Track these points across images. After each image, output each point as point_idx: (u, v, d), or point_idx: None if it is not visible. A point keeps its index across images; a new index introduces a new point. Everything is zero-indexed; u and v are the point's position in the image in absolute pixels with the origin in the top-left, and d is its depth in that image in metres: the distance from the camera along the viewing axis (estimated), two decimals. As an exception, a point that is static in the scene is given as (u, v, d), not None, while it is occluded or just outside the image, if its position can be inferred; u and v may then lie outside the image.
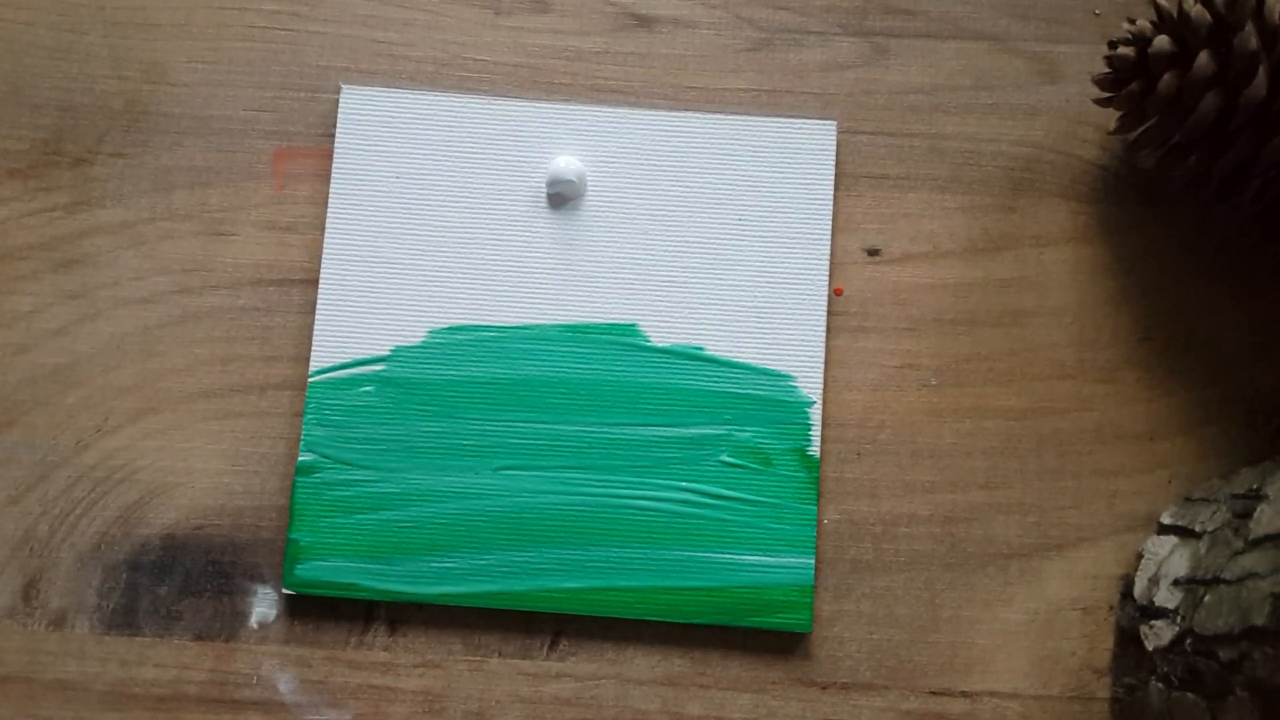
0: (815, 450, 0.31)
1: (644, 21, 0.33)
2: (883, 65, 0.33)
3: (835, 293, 0.32)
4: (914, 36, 0.33)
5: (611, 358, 0.31)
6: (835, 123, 0.32)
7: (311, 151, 0.32)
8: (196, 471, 0.31)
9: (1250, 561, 0.26)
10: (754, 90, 0.33)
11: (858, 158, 0.32)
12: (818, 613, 0.30)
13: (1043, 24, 0.33)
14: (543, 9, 0.33)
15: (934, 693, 0.30)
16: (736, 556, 0.30)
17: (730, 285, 0.31)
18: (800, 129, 0.32)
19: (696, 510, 0.30)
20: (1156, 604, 0.29)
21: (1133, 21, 0.30)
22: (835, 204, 0.32)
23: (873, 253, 0.32)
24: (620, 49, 0.33)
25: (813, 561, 0.30)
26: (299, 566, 0.30)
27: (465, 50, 0.33)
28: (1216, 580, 0.27)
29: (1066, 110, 0.33)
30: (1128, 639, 0.30)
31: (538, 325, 0.31)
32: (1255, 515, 0.27)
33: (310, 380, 0.31)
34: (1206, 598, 0.27)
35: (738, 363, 0.31)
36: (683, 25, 0.33)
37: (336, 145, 0.32)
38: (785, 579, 0.30)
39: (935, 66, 0.33)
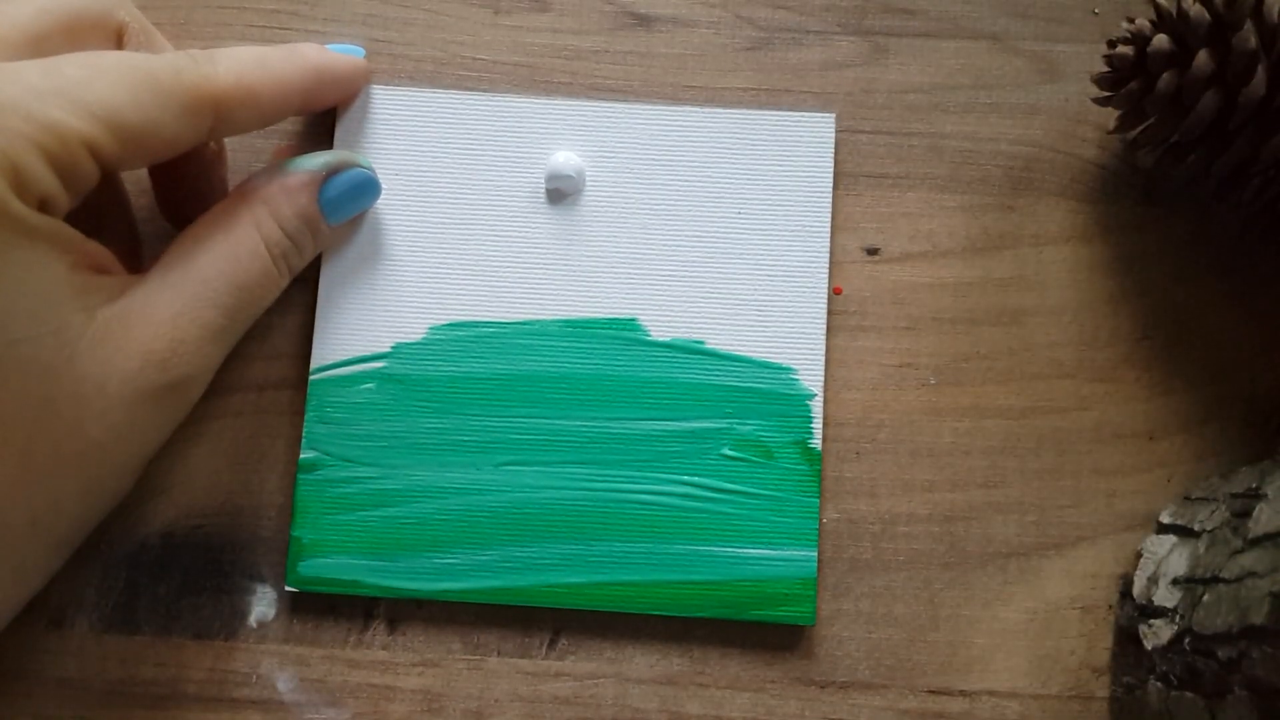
0: (817, 443, 0.30)
1: (643, 20, 0.33)
2: (882, 64, 0.33)
3: (835, 292, 0.32)
4: (913, 35, 0.33)
5: (612, 352, 0.31)
6: (834, 115, 0.32)
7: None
8: (195, 470, 0.31)
9: (1249, 560, 0.26)
10: (753, 89, 0.33)
11: (857, 157, 0.32)
12: (816, 611, 0.30)
13: (1042, 23, 0.33)
14: (542, 8, 0.33)
15: (932, 691, 0.30)
16: (739, 550, 0.30)
17: (730, 279, 0.31)
18: (799, 122, 0.32)
19: (698, 504, 0.30)
20: (1155, 603, 0.29)
21: (1132, 20, 0.30)
22: (834, 203, 0.32)
23: (872, 252, 0.32)
24: (619, 48, 0.33)
25: (815, 554, 0.30)
26: (301, 564, 0.30)
27: (464, 49, 0.33)
28: (1215, 579, 0.27)
29: (1066, 109, 0.33)
30: (1127, 638, 0.30)
31: (538, 321, 0.31)
32: (1254, 514, 0.27)
33: (311, 377, 0.31)
34: (1205, 597, 0.27)
35: (738, 356, 0.31)
36: (682, 24, 0.33)
37: (335, 143, 0.32)
38: (788, 572, 0.30)
39: (934, 65, 0.33)
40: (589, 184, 0.32)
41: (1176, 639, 0.28)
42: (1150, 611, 0.29)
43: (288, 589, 0.30)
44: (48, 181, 0.24)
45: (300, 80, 0.29)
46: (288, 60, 0.29)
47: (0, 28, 0.26)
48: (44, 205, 0.25)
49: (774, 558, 0.30)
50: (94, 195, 0.26)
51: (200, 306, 0.27)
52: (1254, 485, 0.28)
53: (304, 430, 0.31)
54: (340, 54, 0.31)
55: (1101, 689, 0.30)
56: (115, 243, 0.28)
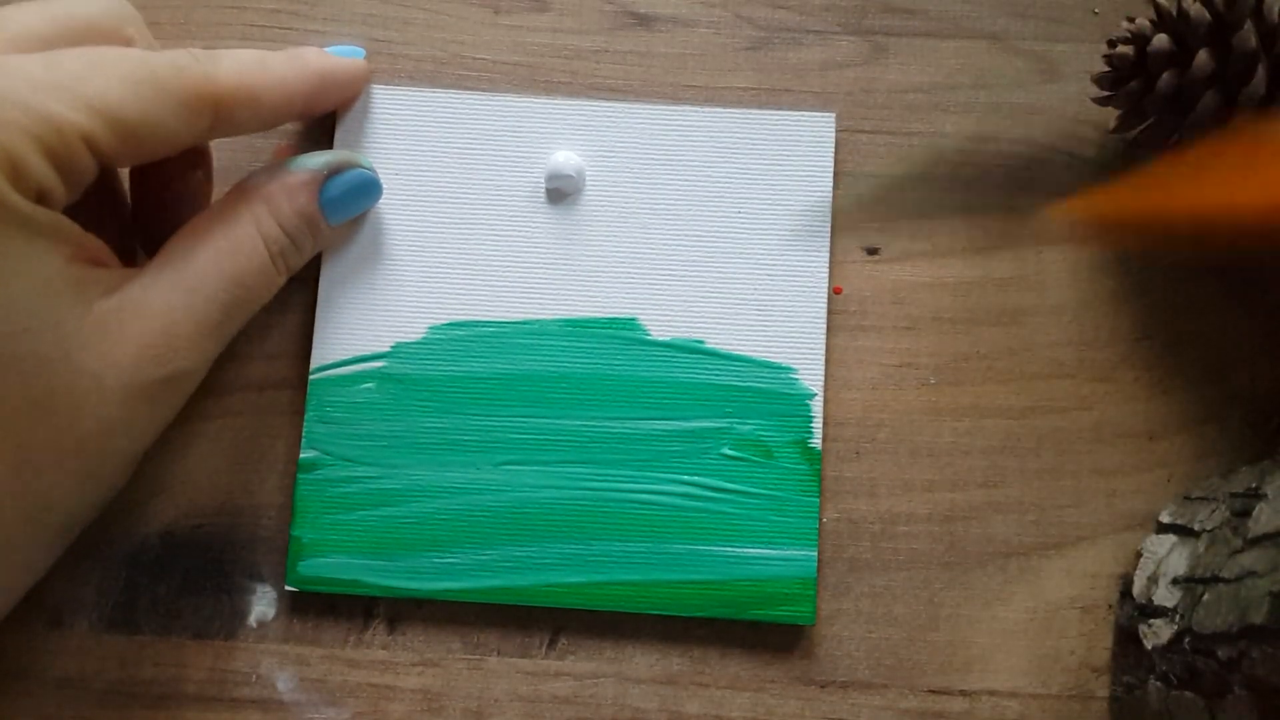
0: (817, 443, 0.30)
1: (643, 20, 0.33)
2: (882, 64, 0.33)
3: (835, 291, 0.32)
4: (913, 35, 0.33)
5: (612, 352, 0.31)
6: (834, 114, 0.32)
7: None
8: (195, 470, 0.31)
9: (1249, 560, 0.26)
10: (753, 89, 0.33)
11: (857, 156, 0.32)
12: (816, 611, 0.30)
13: (1042, 23, 0.33)
14: (542, 8, 0.33)
15: (933, 691, 0.30)
16: (738, 550, 0.30)
17: (730, 278, 0.31)
18: (799, 121, 0.32)
19: (698, 504, 0.30)
20: (1155, 603, 0.29)
21: (1132, 20, 0.30)
22: (834, 202, 0.32)
23: (872, 251, 0.32)
24: (619, 48, 0.33)
25: (815, 554, 0.30)
26: (301, 563, 0.30)
27: (464, 49, 0.33)
28: (1215, 579, 0.27)
29: (1066, 109, 0.33)
30: (1126, 638, 0.30)
31: (538, 320, 0.31)
32: (1254, 514, 0.27)
33: (311, 377, 0.31)
34: (1205, 596, 0.27)
35: (738, 355, 0.31)
36: (682, 24, 0.33)
37: (335, 143, 0.32)
38: (788, 571, 0.30)
39: (934, 65, 0.33)
40: (589, 184, 0.32)
41: (1176, 638, 0.28)
42: (1150, 611, 0.29)
43: (288, 589, 0.30)
44: (45, 174, 0.24)
45: (302, 84, 0.29)
46: (290, 64, 0.29)
47: (9, 30, 0.26)
48: (41, 198, 0.25)
49: (774, 557, 0.30)
50: (92, 191, 0.26)
51: (197, 302, 0.27)
52: (1254, 485, 0.28)
53: (304, 430, 0.31)
54: (342, 58, 0.31)
55: (1101, 689, 0.30)
56: (112, 239, 0.28)
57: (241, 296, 0.28)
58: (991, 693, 0.30)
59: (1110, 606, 0.31)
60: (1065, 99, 0.33)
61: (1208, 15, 0.28)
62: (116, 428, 0.26)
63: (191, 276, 0.27)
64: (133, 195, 0.31)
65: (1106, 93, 0.31)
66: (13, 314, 0.24)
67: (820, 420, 0.31)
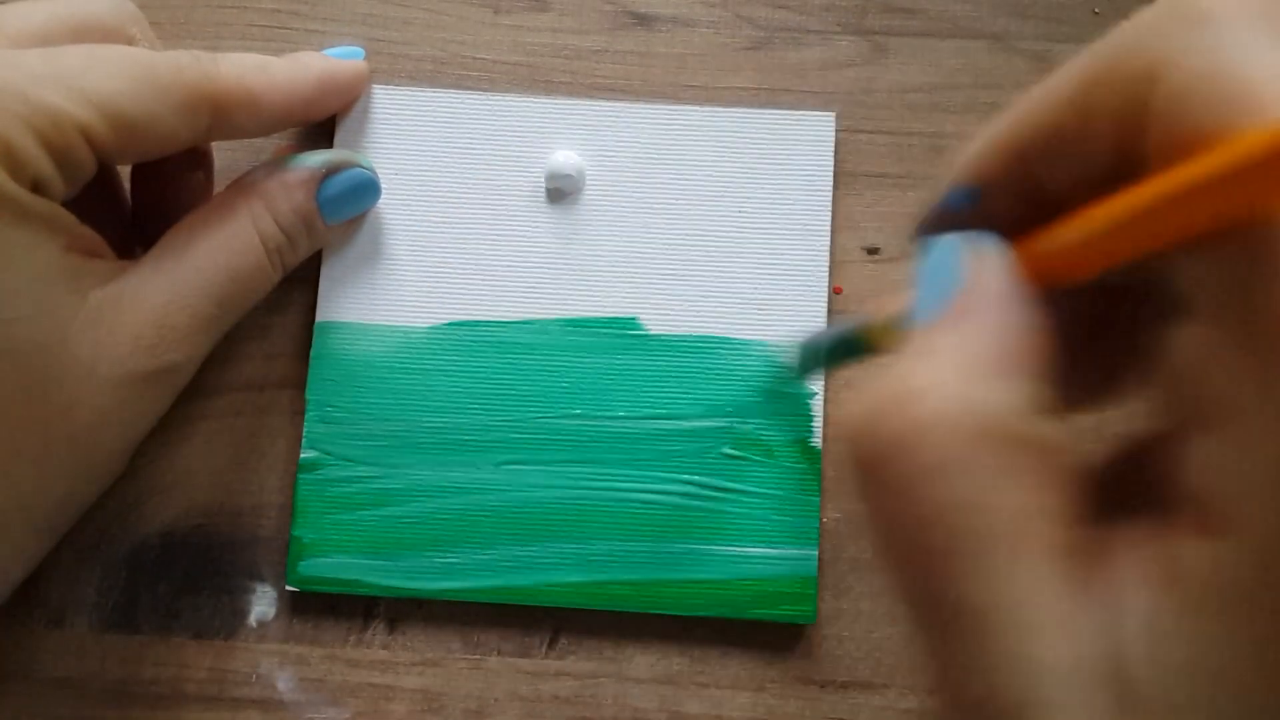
0: (817, 442, 0.30)
1: (643, 20, 0.33)
2: (882, 64, 0.33)
3: (835, 291, 0.32)
4: (913, 35, 0.33)
5: (612, 351, 0.31)
6: (834, 113, 0.32)
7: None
8: (195, 469, 0.31)
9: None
10: (753, 89, 0.33)
11: (857, 156, 0.32)
12: (817, 611, 0.30)
13: (1042, 23, 0.33)
14: (542, 7, 0.33)
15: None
16: (739, 549, 0.30)
17: (731, 277, 0.31)
18: (799, 120, 0.32)
19: (699, 503, 0.30)
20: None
21: (1132, 20, 0.30)
22: (834, 202, 0.32)
23: (872, 251, 0.32)
24: (619, 47, 0.33)
25: (815, 553, 0.30)
26: (302, 563, 0.30)
27: (464, 49, 0.33)
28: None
29: (1066, 109, 0.33)
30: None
31: (538, 320, 0.31)
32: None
33: (311, 376, 0.31)
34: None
35: (739, 355, 0.31)
36: (682, 24, 0.33)
37: (336, 142, 0.32)
38: (788, 571, 0.30)
39: (935, 65, 0.33)
40: (589, 183, 0.32)
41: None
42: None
43: (288, 588, 0.30)
44: (42, 164, 0.24)
45: (302, 89, 0.29)
46: (291, 69, 0.29)
47: (10, 28, 0.27)
48: (38, 187, 0.25)
49: (774, 556, 0.30)
50: (91, 189, 0.26)
51: (192, 295, 0.27)
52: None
53: (304, 430, 0.30)
54: (343, 62, 0.31)
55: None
56: (111, 238, 0.28)
57: (236, 292, 0.28)
58: (992, 692, 0.30)
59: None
60: (1065, 99, 0.33)
61: (1208, 15, 0.28)
62: (108, 418, 0.26)
63: (187, 270, 0.27)
64: (133, 195, 0.31)
65: (1106, 92, 0.31)
66: (10, 301, 0.24)
67: (821, 419, 0.31)
